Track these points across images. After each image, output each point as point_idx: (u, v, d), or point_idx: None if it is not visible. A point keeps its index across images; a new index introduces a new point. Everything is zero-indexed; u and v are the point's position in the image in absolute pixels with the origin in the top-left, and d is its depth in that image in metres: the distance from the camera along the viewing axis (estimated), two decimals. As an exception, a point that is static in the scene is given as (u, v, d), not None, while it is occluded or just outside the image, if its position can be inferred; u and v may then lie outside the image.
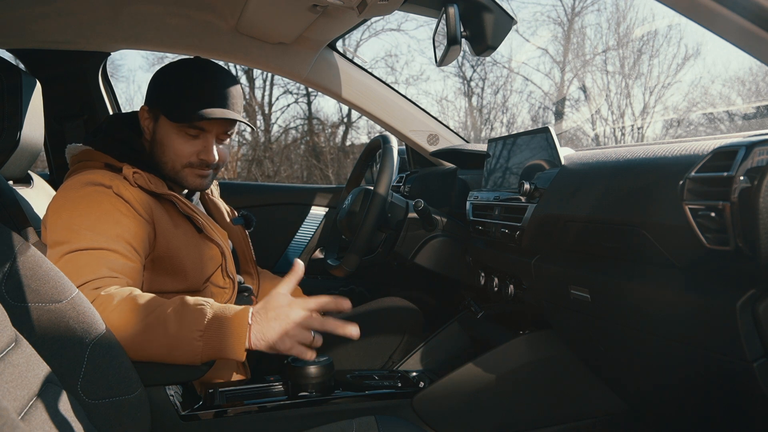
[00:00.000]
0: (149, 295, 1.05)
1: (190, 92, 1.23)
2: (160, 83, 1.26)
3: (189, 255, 1.23)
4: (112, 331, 0.96)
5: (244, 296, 1.46)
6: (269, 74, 9.04)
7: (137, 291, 1.05)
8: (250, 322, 1.02)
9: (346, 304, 1.05)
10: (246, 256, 1.54)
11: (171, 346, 1.00)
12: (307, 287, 1.79)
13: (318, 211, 2.24)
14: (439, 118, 2.05)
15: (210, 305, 1.04)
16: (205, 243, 1.28)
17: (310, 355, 1.04)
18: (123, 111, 1.83)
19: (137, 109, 1.34)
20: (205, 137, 1.26)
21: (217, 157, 1.28)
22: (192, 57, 1.29)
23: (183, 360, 1.01)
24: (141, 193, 1.18)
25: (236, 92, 1.28)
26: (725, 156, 0.72)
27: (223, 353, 1.01)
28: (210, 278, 1.28)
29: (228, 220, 1.52)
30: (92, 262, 1.06)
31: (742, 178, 0.70)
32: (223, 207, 1.54)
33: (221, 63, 1.41)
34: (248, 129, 9.09)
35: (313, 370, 1.14)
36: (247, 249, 1.55)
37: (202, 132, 1.24)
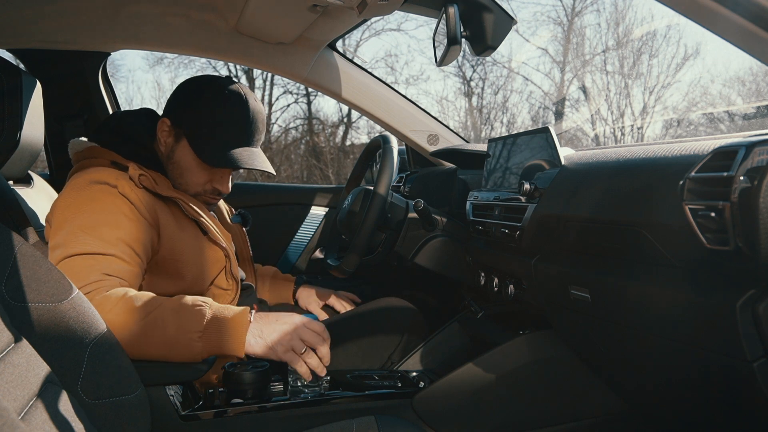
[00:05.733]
0: (146, 295, 1.04)
1: (221, 132, 1.21)
2: (190, 107, 1.23)
3: (193, 258, 1.23)
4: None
5: (247, 294, 1.46)
6: (269, 74, 9.04)
7: (132, 291, 1.05)
8: (250, 320, 1.03)
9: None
10: (243, 255, 1.54)
11: (170, 347, 1.00)
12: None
13: (318, 211, 2.23)
14: (439, 118, 2.05)
15: (209, 305, 1.04)
16: (210, 246, 1.27)
17: (305, 371, 1.05)
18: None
19: (137, 108, 1.34)
20: (222, 170, 1.27)
21: (230, 188, 1.29)
22: (221, 77, 1.27)
23: (183, 359, 1.02)
24: (146, 194, 1.17)
25: (264, 124, 1.28)
26: (725, 156, 0.72)
27: (222, 351, 1.02)
28: (214, 281, 1.28)
29: (228, 219, 1.52)
30: (86, 268, 1.05)
31: (742, 178, 0.69)
32: (224, 206, 1.55)
33: (221, 63, 1.41)
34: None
35: (247, 376, 1.10)
36: (245, 248, 1.55)
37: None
